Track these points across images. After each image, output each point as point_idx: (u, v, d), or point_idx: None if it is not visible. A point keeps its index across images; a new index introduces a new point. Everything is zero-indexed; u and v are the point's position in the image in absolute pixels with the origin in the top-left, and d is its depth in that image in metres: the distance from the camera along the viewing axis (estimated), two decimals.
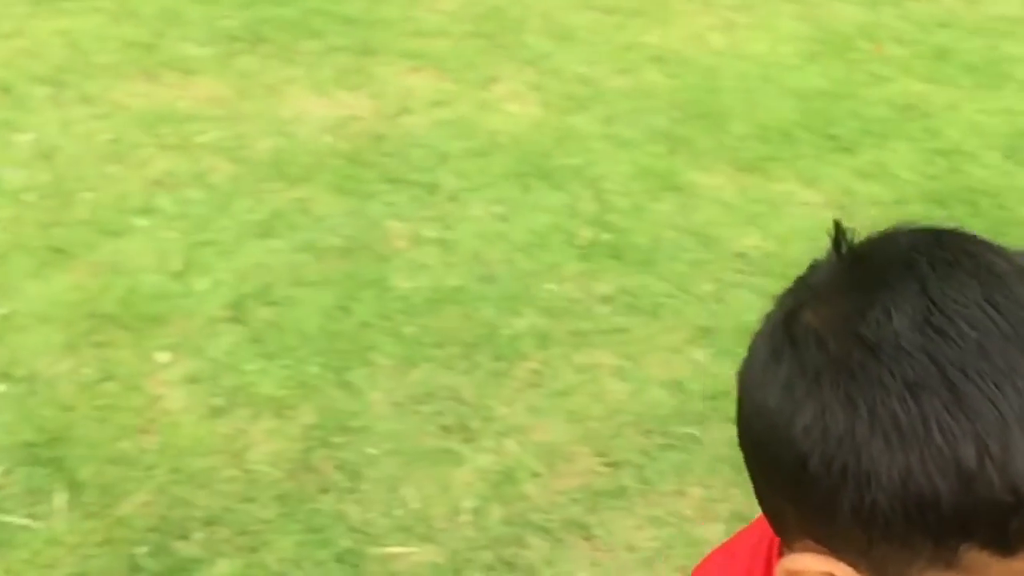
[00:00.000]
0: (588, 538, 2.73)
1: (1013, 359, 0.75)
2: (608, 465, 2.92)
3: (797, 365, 0.80)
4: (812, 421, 0.78)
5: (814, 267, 0.87)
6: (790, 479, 0.81)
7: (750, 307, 3.36)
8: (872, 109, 4.51)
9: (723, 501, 2.81)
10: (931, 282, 0.78)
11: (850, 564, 0.81)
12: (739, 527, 2.92)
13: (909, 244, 0.83)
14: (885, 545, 0.78)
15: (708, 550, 2.92)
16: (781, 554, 0.89)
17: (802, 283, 0.87)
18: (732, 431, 3.38)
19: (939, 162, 4.19)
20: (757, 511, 3.12)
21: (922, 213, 3.84)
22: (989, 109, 4.52)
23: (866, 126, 4.39)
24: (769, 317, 0.88)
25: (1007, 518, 0.75)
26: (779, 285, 3.47)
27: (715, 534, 2.73)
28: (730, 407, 3.40)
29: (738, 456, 3.10)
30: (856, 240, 0.85)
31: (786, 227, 3.79)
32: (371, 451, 2.93)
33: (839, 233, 0.85)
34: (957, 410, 0.74)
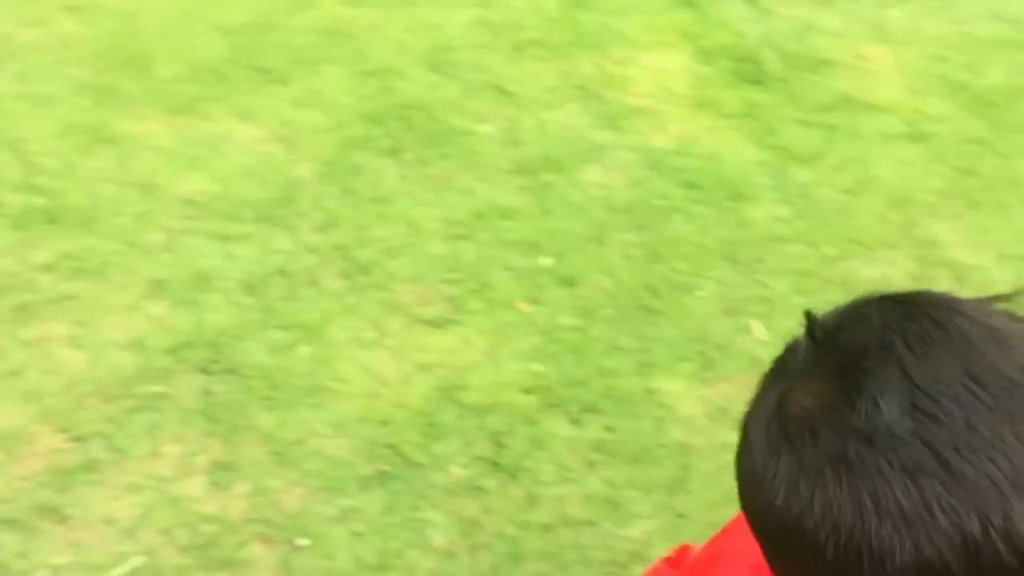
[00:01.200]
0: (62, 520, 2.56)
1: (999, 429, 0.79)
2: (73, 440, 2.75)
3: (796, 462, 0.83)
4: (821, 517, 0.81)
5: (791, 350, 0.90)
6: (806, 563, 0.84)
7: (203, 252, 3.26)
8: (300, 37, 4.49)
9: (201, 453, 2.71)
10: (910, 363, 0.82)
11: None
12: (221, 476, 2.82)
13: (880, 322, 0.86)
14: None
15: (191, 506, 2.80)
16: None
17: (782, 368, 0.90)
18: (200, 381, 3.24)
19: (370, 82, 4.24)
20: (237, 458, 3.00)
21: (361, 133, 3.89)
22: (410, 26, 4.63)
23: (296, 55, 4.37)
24: (756, 403, 0.90)
25: None
26: (230, 226, 3.35)
27: (197, 488, 2.64)
28: (194, 356, 3.24)
29: (210, 405, 2.96)
30: (827, 323, 0.88)
31: (229, 166, 3.70)
32: None
33: (810, 320, 0.89)
34: (956, 488, 0.78)
